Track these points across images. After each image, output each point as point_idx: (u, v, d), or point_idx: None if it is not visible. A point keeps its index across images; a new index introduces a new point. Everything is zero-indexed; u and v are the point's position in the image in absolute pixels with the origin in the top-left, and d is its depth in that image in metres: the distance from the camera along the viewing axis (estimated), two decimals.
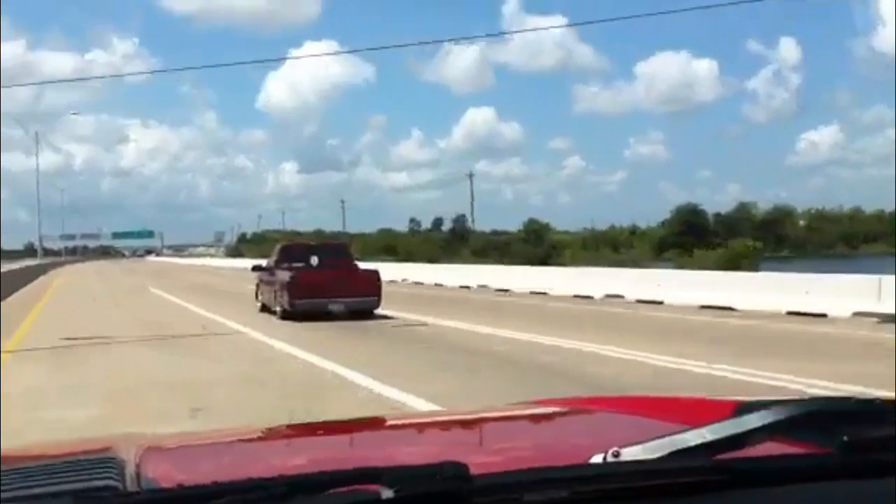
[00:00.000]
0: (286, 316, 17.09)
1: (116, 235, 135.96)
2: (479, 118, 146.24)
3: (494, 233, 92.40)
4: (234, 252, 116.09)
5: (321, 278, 17.57)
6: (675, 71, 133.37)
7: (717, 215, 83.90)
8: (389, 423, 2.00)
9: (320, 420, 1.89)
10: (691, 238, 71.23)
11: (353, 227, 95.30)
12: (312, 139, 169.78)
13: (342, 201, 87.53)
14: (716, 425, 1.01)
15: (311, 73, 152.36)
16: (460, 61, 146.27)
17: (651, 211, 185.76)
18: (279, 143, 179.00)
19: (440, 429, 1.95)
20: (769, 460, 1.04)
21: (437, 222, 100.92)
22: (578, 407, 1.98)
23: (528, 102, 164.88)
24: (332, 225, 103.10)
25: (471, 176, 75.38)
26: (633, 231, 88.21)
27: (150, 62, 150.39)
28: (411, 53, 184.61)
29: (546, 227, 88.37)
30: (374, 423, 1.98)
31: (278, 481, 0.88)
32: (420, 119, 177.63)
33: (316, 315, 16.55)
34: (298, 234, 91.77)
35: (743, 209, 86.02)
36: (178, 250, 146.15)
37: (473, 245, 79.76)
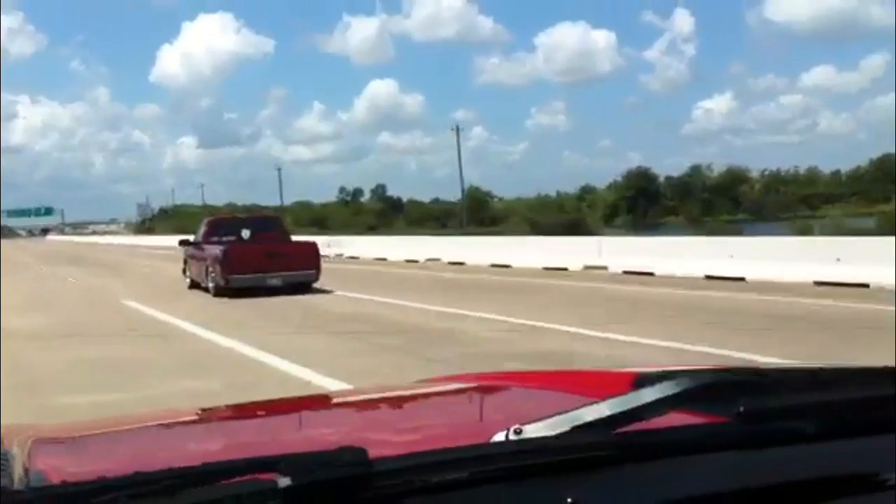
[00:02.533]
0: (220, 293, 17.26)
1: (11, 214, 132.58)
2: (381, 90, 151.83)
3: (435, 201, 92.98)
4: (142, 228, 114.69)
5: (256, 252, 17.73)
6: (573, 42, 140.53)
7: (669, 178, 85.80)
8: (291, 405, 2.09)
9: (223, 405, 2.00)
10: (643, 202, 73.08)
11: (260, 202, 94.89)
12: (210, 113, 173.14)
13: (278, 170, 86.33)
14: (615, 399, 1.07)
15: (206, 45, 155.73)
16: (360, 33, 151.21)
17: (555, 179, 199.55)
18: (176, 118, 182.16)
19: (342, 411, 2.02)
20: (668, 432, 1.12)
21: (357, 193, 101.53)
22: (482, 384, 2.09)
23: (430, 74, 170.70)
24: (240, 200, 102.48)
25: (457, 130, 74.71)
26: (582, 197, 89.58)
27: (37, 38, 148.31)
28: (310, 25, 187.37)
29: (488, 195, 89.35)
30: (275, 407, 2.05)
31: (167, 474, 0.91)
32: (321, 92, 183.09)
33: (253, 291, 16.79)
34: (216, 208, 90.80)
35: (695, 172, 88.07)
36: (77, 228, 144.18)
37: (411, 215, 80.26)
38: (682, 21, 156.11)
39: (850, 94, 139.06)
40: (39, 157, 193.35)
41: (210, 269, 17.93)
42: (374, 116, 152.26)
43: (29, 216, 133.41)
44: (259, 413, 1.93)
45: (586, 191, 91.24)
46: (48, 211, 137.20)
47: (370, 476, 0.95)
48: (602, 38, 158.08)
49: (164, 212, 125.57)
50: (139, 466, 0.92)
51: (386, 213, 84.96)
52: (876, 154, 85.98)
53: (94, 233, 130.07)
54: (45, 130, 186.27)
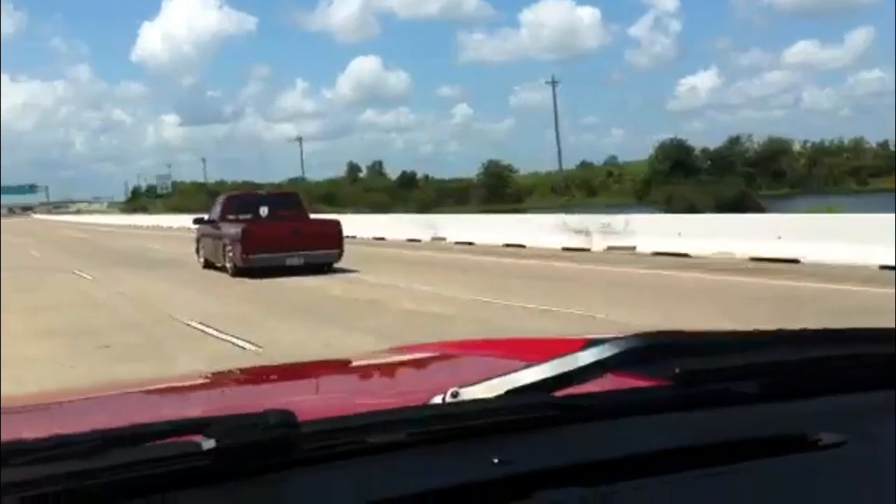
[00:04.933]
0: (239, 273, 17.68)
1: None
2: (364, 67, 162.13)
3: (454, 180, 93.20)
4: (132, 207, 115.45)
5: (276, 231, 18.10)
6: (559, 19, 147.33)
7: (706, 151, 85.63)
8: (226, 377, 2.15)
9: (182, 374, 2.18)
10: (679, 176, 72.96)
11: (251, 179, 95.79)
12: (193, 91, 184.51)
13: (299, 140, 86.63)
14: (553, 362, 1.12)
15: (187, 23, 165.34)
16: (343, 9, 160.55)
17: (541, 156, 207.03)
18: (158, 96, 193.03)
19: (278, 381, 2.07)
20: (606, 395, 1.18)
21: (354, 169, 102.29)
22: (421, 352, 2.17)
23: (414, 51, 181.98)
24: (229, 178, 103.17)
25: (552, 83, 74.72)
26: (611, 172, 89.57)
27: (16, 16, 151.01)
28: (292, 2, 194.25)
29: (509, 169, 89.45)
30: (211, 377, 2.12)
31: (90, 436, 0.93)
32: (304, 69, 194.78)
33: (273, 271, 17.19)
34: (221, 186, 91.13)
35: (734, 144, 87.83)
36: (60, 207, 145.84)
37: (425, 193, 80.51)
38: None
39: (834, 69, 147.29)
40: (20, 137, 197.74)
41: (228, 248, 18.30)
42: (358, 94, 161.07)
43: (12, 193, 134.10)
44: (198, 382, 2.03)
45: (612, 164, 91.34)
46: (32, 189, 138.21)
47: (298, 438, 0.99)
48: (588, 15, 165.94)
49: (151, 190, 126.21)
50: (73, 431, 0.95)
51: (397, 190, 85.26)
52: (857, 131, 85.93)
53: (78, 211, 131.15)
54: (25, 109, 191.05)
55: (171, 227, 47.08)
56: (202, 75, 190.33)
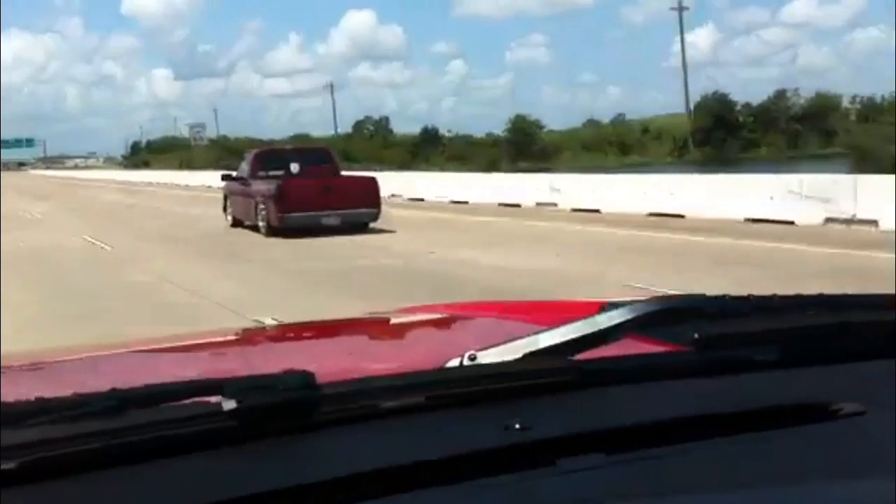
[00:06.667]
0: (273, 233, 17.79)
1: None
2: (358, 21, 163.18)
3: (488, 135, 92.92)
4: (131, 163, 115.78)
5: (312, 188, 18.18)
6: None
7: (748, 106, 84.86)
8: (241, 336, 2.22)
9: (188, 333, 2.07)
10: (720, 134, 72.48)
11: (241, 135, 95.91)
12: (185, 45, 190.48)
13: (330, 88, 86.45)
14: (571, 325, 1.16)
15: None
16: None
17: (541, 113, 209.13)
18: (150, 50, 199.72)
19: (291, 340, 2.15)
20: (625, 359, 1.22)
21: (358, 125, 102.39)
22: (437, 314, 2.25)
23: (408, 5, 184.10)
24: (230, 133, 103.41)
25: (679, 8, 72.28)
26: (646, 129, 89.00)
27: None
28: None
29: (536, 125, 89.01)
30: (225, 336, 2.18)
31: (109, 395, 0.96)
32: (297, 23, 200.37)
33: (310, 231, 17.26)
34: (223, 140, 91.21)
35: (780, 99, 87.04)
36: (55, 162, 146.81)
37: (450, 150, 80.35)
38: None
39: (832, 28, 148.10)
40: (11, 90, 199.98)
41: (261, 206, 18.41)
42: (352, 49, 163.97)
43: (9, 147, 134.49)
44: (215, 342, 2.08)
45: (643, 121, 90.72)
46: (29, 142, 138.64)
47: (317, 400, 1.02)
48: None
49: (150, 144, 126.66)
50: (89, 390, 0.98)
51: (420, 147, 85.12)
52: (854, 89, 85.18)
53: (75, 167, 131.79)
54: (17, 63, 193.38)
55: (207, 186, 40.02)
56: (194, 29, 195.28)
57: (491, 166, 56.44)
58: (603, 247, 15.04)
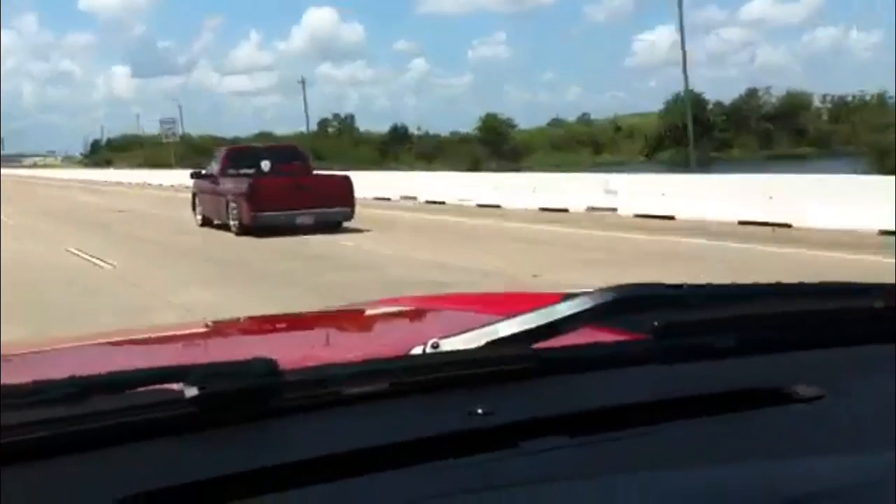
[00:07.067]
0: (244, 231, 17.56)
1: None
2: (319, 19, 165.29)
3: (452, 134, 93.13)
4: (91, 161, 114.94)
5: (284, 186, 17.97)
6: None
7: (720, 105, 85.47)
8: (209, 328, 2.23)
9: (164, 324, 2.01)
10: (693, 132, 72.74)
11: (204, 133, 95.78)
12: (144, 41, 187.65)
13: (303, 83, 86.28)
14: (531, 314, 1.20)
15: None
16: None
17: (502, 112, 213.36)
18: (108, 47, 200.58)
19: (257, 331, 2.19)
20: (585, 347, 1.26)
21: (324, 122, 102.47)
22: (401, 306, 2.30)
23: (370, 3, 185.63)
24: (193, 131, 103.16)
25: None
26: (618, 127, 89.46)
27: None
28: None
29: (507, 124, 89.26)
30: (194, 328, 2.23)
31: (70, 382, 0.97)
32: (258, 20, 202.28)
33: (281, 230, 17.02)
34: (187, 139, 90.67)
35: (751, 97, 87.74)
36: (12, 161, 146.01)
37: (420, 148, 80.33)
38: None
39: (789, 26, 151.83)
40: None
41: (232, 205, 18.22)
42: (313, 46, 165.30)
43: None
44: (182, 334, 2.13)
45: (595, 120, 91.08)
46: None
47: (280, 386, 1.03)
48: None
49: (110, 142, 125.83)
50: (48, 378, 0.99)
51: (388, 146, 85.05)
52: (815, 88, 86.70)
53: (34, 165, 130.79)
54: None
55: (171, 185, 39.73)
56: (153, 25, 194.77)
57: (473, 166, 56.49)
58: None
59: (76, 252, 15.14)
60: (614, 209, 19.80)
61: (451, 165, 54.14)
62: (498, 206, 22.83)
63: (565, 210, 20.76)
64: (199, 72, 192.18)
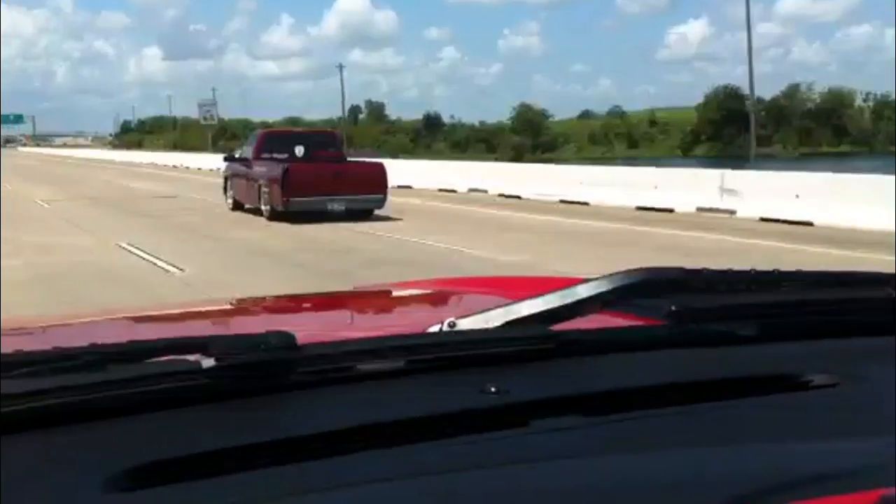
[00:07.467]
0: (275, 216, 17.55)
1: None
2: (352, 5, 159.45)
3: (482, 124, 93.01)
4: (122, 142, 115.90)
5: (317, 172, 17.92)
6: None
7: (761, 101, 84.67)
8: (230, 305, 2.29)
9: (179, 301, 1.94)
10: (730, 129, 72.37)
11: (232, 117, 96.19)
12: (176, 23, 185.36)
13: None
14: (549, 296, 1.22)
15: None
16: None
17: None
18: (141, 28, 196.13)
19: (274, 308, 2.23)
20: (602, 330, 1.29)
21: (355, 110, 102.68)
22: (421, 288, 2.34)
23: None
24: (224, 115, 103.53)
25: None
26: (654, 121, 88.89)
27: None
28: None
29: (542, 115, 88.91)
30: (214, 306, 2.29)
31: (90, 350, 1.00)
32: (290, 4, 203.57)
33: (313, 216, 17.01)
34: (222, 121, 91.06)
35: (792, 93, 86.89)
36: (44, 140, 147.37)
37: (454, 136, 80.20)
38: None
39: (825, 23, 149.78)
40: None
41: (264, 189, 18.17)
42: (344, 33, 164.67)
43: None
44: (203, 311, 2.19)
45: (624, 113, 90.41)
46: (18, 118, 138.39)
47: (297, 360, 1.05)
48: None
49: (141, 123, 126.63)
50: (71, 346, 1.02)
51: (421, 135, 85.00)
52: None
53: (64, 145, 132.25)
54: (6, 38, 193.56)
55: (210, 170, 35.31)
56: (185, 8, 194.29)
57: (516, 157, 56.40)
58: None
59: (129, 248, 13.19)
60: (733, 211, 17.55)
61: (481, 156, 54.06)
62: (586, 204, 20.61)
63: (670, 210, 18.49)
64: (230, 55, 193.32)
